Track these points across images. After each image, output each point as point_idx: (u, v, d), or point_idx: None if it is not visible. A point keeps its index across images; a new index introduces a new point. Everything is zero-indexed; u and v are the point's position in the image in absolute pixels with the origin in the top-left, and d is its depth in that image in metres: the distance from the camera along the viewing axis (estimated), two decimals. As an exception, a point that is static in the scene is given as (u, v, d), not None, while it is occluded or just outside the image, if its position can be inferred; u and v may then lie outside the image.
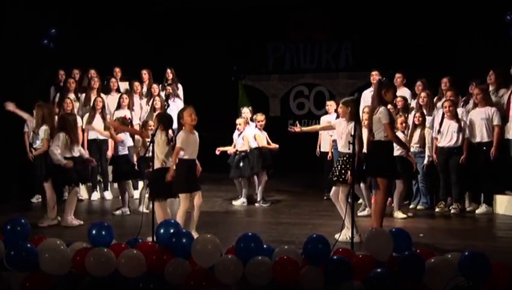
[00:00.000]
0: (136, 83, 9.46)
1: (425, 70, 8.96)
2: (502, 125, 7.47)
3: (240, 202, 8.34)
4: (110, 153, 8.42)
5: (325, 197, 8.54)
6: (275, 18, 11.71)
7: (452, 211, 7.55)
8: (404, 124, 7.48)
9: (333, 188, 6.16)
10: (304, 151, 9.41)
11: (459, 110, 7.76)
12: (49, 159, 6.97)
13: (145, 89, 9.57)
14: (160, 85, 9.55)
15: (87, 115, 8.83)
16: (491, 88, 7.82)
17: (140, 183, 8.68)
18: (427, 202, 7.86)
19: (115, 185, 8.17)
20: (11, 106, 7.40)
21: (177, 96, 9.47)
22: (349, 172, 5.76)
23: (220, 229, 6.24)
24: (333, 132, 6.89)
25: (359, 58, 11.60)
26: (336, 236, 5.53)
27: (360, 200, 7.88)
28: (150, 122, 7.68)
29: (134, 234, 5.01)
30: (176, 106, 9.08)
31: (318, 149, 8.80)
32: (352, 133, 5.58)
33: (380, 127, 5.71)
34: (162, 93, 9.31)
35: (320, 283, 4.19)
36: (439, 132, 7.68)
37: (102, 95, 9.08)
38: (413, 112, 7.98)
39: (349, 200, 5.90)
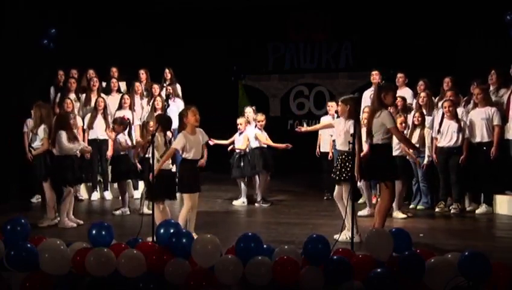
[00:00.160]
0: (137, 83, 9.47)
1: (425, 71, 8.96)
2: (502, 125, 7.47)
3: (240, 202, 8.34)
4: (110, 153, 8.43)
5: (325, 197, 8.56)
6: (275, 18, 11.71)
7: (452, 211, 7.54)
8: (403, 124, 7.48)
9: (336, 188, 6.16)
10: (304, 151, 9.41)
11: (459, 110, 7.76)
12: (48, 159, 6.97)
13: (140, 89, 9.53)
14: (159, 85, 9.54)
15: (88, 115, 8.83)
16: (491, 88, 7.83)
17: (141, 184, 8.70)
18: (427, 202, 7.86)
19: (115, 185, 8.17)
20: None
21: (178, 96, 9.46)
22: (355, 171, 5.73)
23: (220, 229, 6.24)
24: (333, 132, 6.89)
25: (359, 58, 11.60)
26: (336, 236, 5.53)
27: (361, 200, 7.90)
28: (150, 122, 7.69)
29: (134, 234, 5.01)
30: (176, 106, 9.09)
31: (318, 149, 8.81)
32: (352, 132, 5.62)
33: (380, 130, 5.68)
34: (162, 93, 9.30)
35: (320, 283, 4.19)
36: (438, 131, 7.68)
37: (103, 95, 9.08)
38: (412, 112, 7.98)
39: (349, 199, 5.91)
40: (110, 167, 8.16)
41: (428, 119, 7.88)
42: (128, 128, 7.79)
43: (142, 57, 10.70)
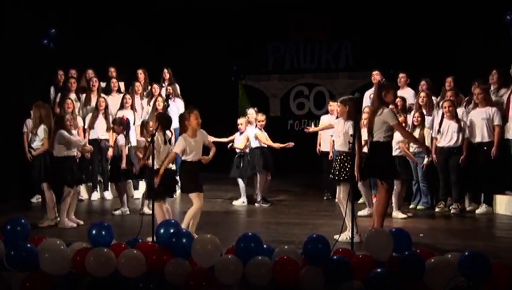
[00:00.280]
0: (137, 83, 9.46)
1: (425, 71, 8.96)
2: (502, 125, 7.47)
3: (240, 202, 8.34)
4: (110, 153, 8.42)
5: (325, 197, 8.57)
6: (275, 18, 11.70)
7: (452, 211, 7.54)
8: (403, 124, 7.47)
9: (337, 189, 6.16)
10: (304, 151, 9.41)
11: (460, 110, 7.76)
12: (48, 160, 6.96)
13: (140, 89, 9.53)
14: (158, 85, 9.53)
15: (90, 115, 8.83)
16: (492, 88, 7.83)
17: (141, 184, 8.70)
18: (427, 202, 7.86)
19: (116, 185, 8.17)
20: None
21: (178, 96, 9.46)
22: (355, 171, 5.74)
23: (220, 229, 6.24)
24: (333, 132, 6.89)
25: (359, 58, 11.60)
26: (336, 236, 5.53)
27: (361, 200, 7.89)
28: (150, 122, 7.69)
29: (134, 234, 5.01)
30: (176, 106, 9.09)
31: (319, 147, 8.79)
32: (350, 132, 5.67)
33: (381, 128, 5.68)
34: (162, 93, 9.30)
35: (320, 283, 4.19)
36: (438, 131, 7.68)
37: (103, 95, 9.08)
38: (412, 112, 7.98)
39: (349, 199, 5.91)
40: (109, 167, 8.16)
41: (428, 119, 7.88)
42: (127, 129, 7.79)
43: (142, 57, 10.69)
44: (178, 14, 11.53)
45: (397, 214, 7.22)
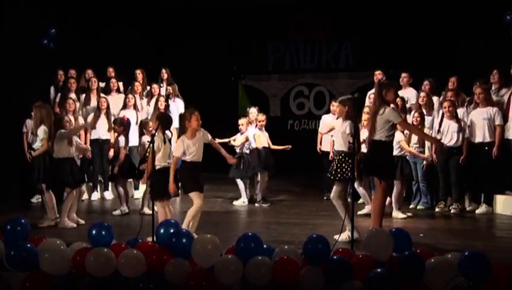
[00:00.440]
0: (137, 83, 9.46)
1: (425, 71, 8.95)
2: (503, 125, 7.47)
3: (240, 202, 8.35)
4: (111, 153, 8.42)
5: (325, 197, 8.55)
6: (275, 18, 11.71)
7: (452, 211, 7.55)
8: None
9: (333, 188, 6.16)
10: (304, 151, 9.42)
11: (460, 110, 7.76)
12: (47, 161, 6.95)
13: (140, 89, 9.53)
14: (157, 84, 9.54)
15: (91, 115, 8.82)
16: (493, 88, 7.84)
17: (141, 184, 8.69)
18: (427, 202, 7.86)
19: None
20: None
21: (177, 96, 9.46)
22: (355, 171, 5.74)
23: (220, 229, 6.24)
24: (334, 132, 6.90)
25: (359, 58, 11.60)
26: (336, 236, 5.53)
27: (361, 200, 7.89)
28: (150, 123, 7.69)
29: (134, 234, 5.01)
30: (175, 106, 9.09)
31: (319, 146, 8.78)
32: (347, 132, 5.74)
33: (384, 127, 5.68)
34: (161, 93, 9.30)
35: (320, 283, 4.19)
36: (438, 131, 7.67)
37: (104, 95, 9.07)
38: (412, 112, 7.97)
39: (348, 199, 5.92)
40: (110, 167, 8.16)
41: (428, 119, 7.88)
42: (128, 129, 7.79)
43: (142, 57, 10.69)
44: (178, 14, 11.53)
45: (397, 214, 7.22)
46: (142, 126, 7.63)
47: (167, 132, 6.39)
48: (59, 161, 6.79)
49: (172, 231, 4.57)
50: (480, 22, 9.57)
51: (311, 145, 8.98)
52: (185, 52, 11.47)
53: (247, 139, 8.33)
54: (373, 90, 8.41)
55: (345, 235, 5.64)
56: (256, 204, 8.27)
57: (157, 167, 5.90)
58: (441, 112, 7.77)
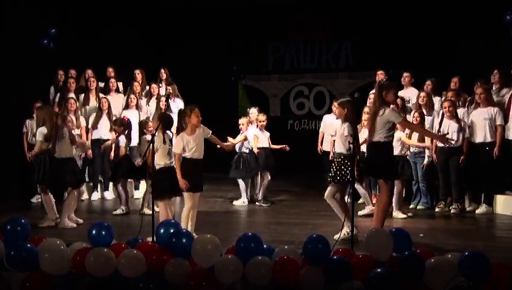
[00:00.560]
0: (136, 83, 9.45)
1: (425, 71, 8.95)
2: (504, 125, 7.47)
3: (240, 202, 8.35)
4: (113, 153, 8.42)
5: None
6: (275, 18, 11.70)
7: (452, 211, 7.55)
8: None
9: (328, 187, 6.15)
10: (304, 151, 9.41)
11: (460, 111, 7.76)
12: (47, 161, 6.94)
13: (139, 88, 9.54)
14: (156, 84, 9.54)
15: (93, 115, 8.81)
16: (494, 88, 7.84)
17: (142, 184, 8.69)
18: (427, 202, 7.86)
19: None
20: None
21: (177, 96, 9.46)
22: (355, 171, 5.75)
23: (220, 229, 6.24)
24: (334, 132, 6.91)
25: (359, 58, 11.60)
26: (336, 236, 5.53)
27: (361, 200, 7.90)
28: (149, 122, 7.69)
29: (134, 234, 5.01)
30: (175, 106, 9.08)
31: (320, 146, 8.76)
32: (346, 134, 5.79)
33: (383, 128, 5.67)
34: (161, 93, 9.30)
35: (320, 283, 4.19)
36: (438, 131, 7.67)
37: (104, 95, 9.07)
38: (412, 112, 7.97)
39: (348, 199, 5.92)
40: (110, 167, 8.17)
41: (428, 119, 7.87)
42: (128, 129, 7.79)
43: (142, 57, 10.69)
44: (178, 14, 11.53)
45: (397, 214, 7.22)
46: (142, 126, 7.63)
47: (168, 132, 6.39)
48: (61, 160, 6.79)
49: (172, 231, 4.57)
50: (480, 22, 9.57)
51: (311, 145, 8.97)
52: (185, 52, 11.46)
53: (246, 139, 8.34)
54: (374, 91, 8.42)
55: (343, 232, 5.66)
56: (257, 203, 8.27)
57: (157, 167, 5.90)
58: (441, 112, 7.77)
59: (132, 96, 8.98)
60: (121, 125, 7.70)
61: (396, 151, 7.13)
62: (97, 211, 8.26)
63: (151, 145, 5.42)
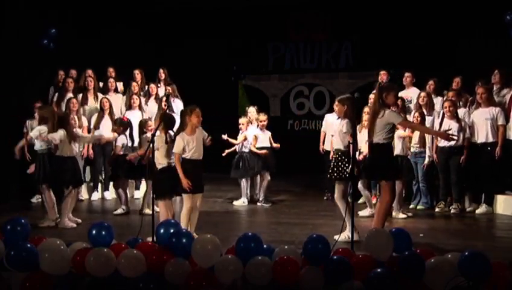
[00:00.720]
0: (134, 83, 9.44)
1: (425, 71, 8.96)
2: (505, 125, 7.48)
3: (240, 202, 8.34)
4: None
5: (325, 197, 8.56)
6: (275, 18, 11.71)
7: (452, 211, 7.55)
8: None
9: (335, 188, 6.16)
10: (304, 151, 9.41)
11: (461, 111, 7.76)
12: (47, 161, 6.94)
13: (137, 89, 9.53)
14: (155, 84, 9.54)
15: (95, 115, 8.81)
16: (494, 88, 7.84)
17: (142, 183, 8.68)
18: (427, 202, 7.86)
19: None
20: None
21: (177, 96, 9.45)
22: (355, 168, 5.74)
23: (220, 229, 6.24)
24: (334, 132, 6.91)
25: (359, 58, 11.61)
26: (336, 236, 5.52)
27: (361, 200, 7.90)
28: (149, 122, 7.68)
29: (134, 234, 5.01)
30: (175, 106, 9.08)
31: (322, 146, 8.75)
32: (345, 130, 5.83)
33: (383, 130, 5.64)
34: (161, 94, 9.30)
35: (320, 283, 4.19)
36: (439, 131, 7.67)
37: (103, 95, 9.07)
38: (412, 112, 7.97)
39: (349, 199, 5.92)
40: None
41: (428, 119, 7.87)
42: (129, 129, 7.79)
43: (142, 57, 10.69)
44: (178, 14, 11.54)
45: (397, 214, 7.21)
46: (142, 125, 7.63)
47: (170, 131, 6.37)
48: (62, 159, 6.79)
49: (172, 231, 4.57)
50: (480, 22, 9.58)
51: (311, 145, 8.97)
52: (185, 52, 11.47)
53: (246, 138, 8.34)
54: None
55: (344, 235, 5.64)
56: (258, 203, 8.27)
57: (159, 167, 5.90)
58: (441, 112, 7.77)
59: (135, 97, 8.98)
60: (121, 125, 7.70)
61: (398, 150, 7.14)
62: (97, 211, 8.25)
63: (151, 144, 5.42)
